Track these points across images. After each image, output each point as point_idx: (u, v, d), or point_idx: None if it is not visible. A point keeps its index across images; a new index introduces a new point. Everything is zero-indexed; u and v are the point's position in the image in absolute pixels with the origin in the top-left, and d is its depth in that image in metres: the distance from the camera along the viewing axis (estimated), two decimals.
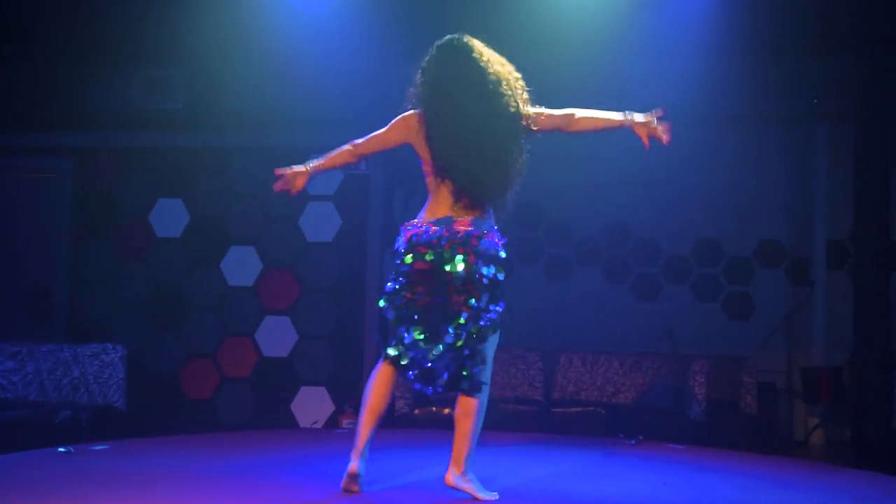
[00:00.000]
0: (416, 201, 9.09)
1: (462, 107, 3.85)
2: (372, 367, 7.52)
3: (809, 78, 8.57)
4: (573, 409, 8.05)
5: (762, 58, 8.44)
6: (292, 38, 7.53)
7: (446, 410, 7.82)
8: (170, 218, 8.26)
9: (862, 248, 7.32)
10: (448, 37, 4.02)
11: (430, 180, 3.98)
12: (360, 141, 4.22)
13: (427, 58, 4.01)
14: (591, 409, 8.05)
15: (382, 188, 7.96)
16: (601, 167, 9.53)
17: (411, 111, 4.04)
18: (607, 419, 7.95)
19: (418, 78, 4.02)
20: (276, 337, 8.00)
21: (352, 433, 4.21)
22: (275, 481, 4.36)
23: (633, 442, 6.22)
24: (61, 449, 5.10)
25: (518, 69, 4.09)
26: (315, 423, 7.56)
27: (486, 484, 4.00)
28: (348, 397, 7.71)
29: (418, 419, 7.75)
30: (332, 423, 7.76)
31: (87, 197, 8.46)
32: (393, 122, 4.09)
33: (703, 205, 9.75)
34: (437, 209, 3.94)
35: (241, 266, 8.11)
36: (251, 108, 8.02)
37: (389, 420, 7.77)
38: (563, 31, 7.73)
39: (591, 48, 8.22)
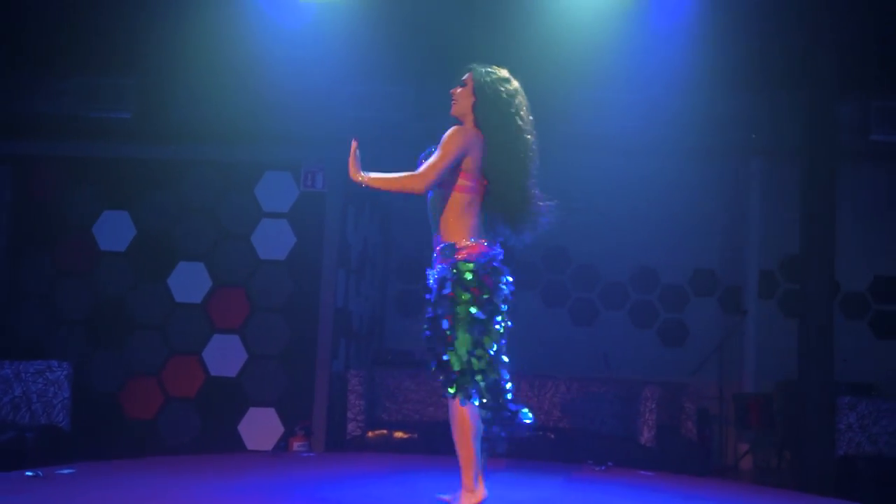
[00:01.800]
0: (365, 219, 9.08)
1: (526, 144, 4.12)
2: (324, 387, 7.47)
3: (745, 112, 8.82)
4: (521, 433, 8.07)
5: (701, 91, 8.65)
6: (251, 48, 7.41)
7: (397, 434, 7.78)
8: (115, 231, 7.97)
9: (809, 277, 7.55)
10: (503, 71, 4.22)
11: (465, 196, 4.05)
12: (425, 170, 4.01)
13: (501, 83, 4.14)
14: (541, 433, 8.09)
15: (338, 206, 7.86)
16: (543, 193, 9.64)
17: (466, 126, 4.07)
18: (557, 444, 8.01)
19: (492, 99, 4.10)
20: (225, 356, 7.80)
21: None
22: None
23: (602, 468, 6.26)
24: (29, 473, 4.86)
25: None
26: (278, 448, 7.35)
27: None
28: (299, 419, 7.57)
29: (371, 442, 7.66)
30: (282, 445, 7.59)
31: (26, 207, 8.11)
32: (454, 137, 4.04)
33: (642, 233, 9.97)
34: (483, 230, 4.11)
35: (190, 282, 7.88)
36: (204, 120, 7.83)
37: (340, 443, 7.69)
38: (509, 56, 7.83)
39: (536, 74, 8.34)
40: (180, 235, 7.96)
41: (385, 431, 7.80)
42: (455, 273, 4.01)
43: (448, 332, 3.99)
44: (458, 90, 4.21)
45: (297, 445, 7.41)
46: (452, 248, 4.05)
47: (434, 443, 7.77)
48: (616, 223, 9.95)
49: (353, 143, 4.07)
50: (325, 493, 4.72)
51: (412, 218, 9.76)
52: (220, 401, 7.76)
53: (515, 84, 4.21)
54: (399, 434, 7.76)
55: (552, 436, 8.07)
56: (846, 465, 7.20)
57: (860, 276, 9.78)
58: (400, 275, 10.14)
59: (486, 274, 4.06)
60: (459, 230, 4.05)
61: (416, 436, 7.73)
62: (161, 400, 7.83)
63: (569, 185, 8.64)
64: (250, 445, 7.69)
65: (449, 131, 4.05)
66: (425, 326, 4.11)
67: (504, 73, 4.22)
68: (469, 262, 4.02)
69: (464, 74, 4.24)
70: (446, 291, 4.00)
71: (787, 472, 8.89)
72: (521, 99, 4.18)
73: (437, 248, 4.13)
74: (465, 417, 4.05)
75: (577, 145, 9.34)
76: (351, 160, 4.06)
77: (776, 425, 9.36)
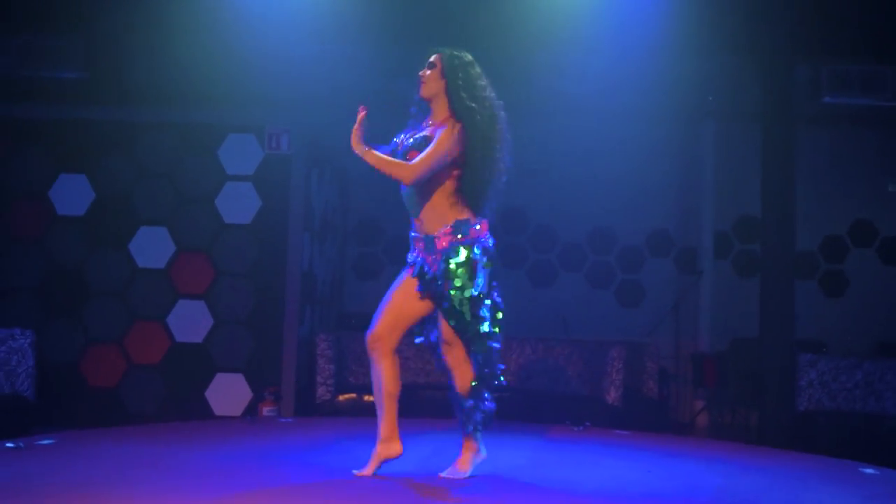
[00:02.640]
0: (325, 181, 8.98)
1: (500, 123, 4.22)
2: (292, 352, 7.41)
3: (701, 75, 8.89)
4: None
5: (658, 55, 8.69)
6: (211, 5, 7.22)
7: (367, 397, 7.76)
8: (73, 195, 7.74)
9: (769, 237, 7.70)
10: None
11: (455, 182, 4.14)
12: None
13: (471, 66, 4.18)
14: (508, 394, 8.15)
15: (303, 169, 7.74)
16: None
17: (454, 122, 4.12)
18: (525, 405, 8.08)
19: (465, 80, 4.13)
20: (190, 322, 7.67)
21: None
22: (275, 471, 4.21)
23: (580, 428, 6.33)
24: (10, 444, 4.74)
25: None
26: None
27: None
28: (267, 384, 7.50)
29: (341, 406, 7.63)
30: (251, 411, 7.52)
31: None
32: (452, 137, 4.07)
33: (599, 194, 10.04)
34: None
35: (152, 248, 7.71)
36: (163, 80, 7.62)
37: (310, 408, 7.65)
38: (472, 17, 7.78)
39: (495, 36, 8.31)
40: (141, 199, 7.78)
41: (354, 395, 7.78)
42: (478, 246, 4.13)
43: (481, 301, 4.09)
44: (428, 72, 4.20)
45: (266, 411, 7.34)
46: (467, 225, 4.12)
47: (403, 405, 7.77)
48: (573, 185, 10.00)
49: (361, 112, 4.04)
50: (318, 458, 4.69)
51: (369, 180, 9.73)
52: (186, 367, 7.64)
53: (479, 69, 4.23)
54: (369, 398, 7.73)
55: (519, 397, 8.14)
56: (807, 421, 7.40)
57: (811, 237, 10.00)
58: (358, 237, 10.06)
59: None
60: (462, 210, 4.15)
61: None
62: (124, 367, 7.67)
63: (526, 148, 8.73)
64: (218, 411, 7.60)
65: (447, 130, 4.05)
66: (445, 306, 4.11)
67: (469, 57, 4.22)
68: (488, 237, 4.20)
69: (430, 57, 4.23)
70: (478, 259, 4.10)
71: (742, 429, 9.12)
72: (487, 81, 4.24)
73: (444, 229, 4.13)
74: None
75: (535, 108, 9.35)
76: (356, 129, 4.07)
77: (731, 383, 9.57)
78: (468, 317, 4.07)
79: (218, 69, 7.69)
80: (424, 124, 4.26)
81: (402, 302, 4.24)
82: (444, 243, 4.14)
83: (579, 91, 8.88)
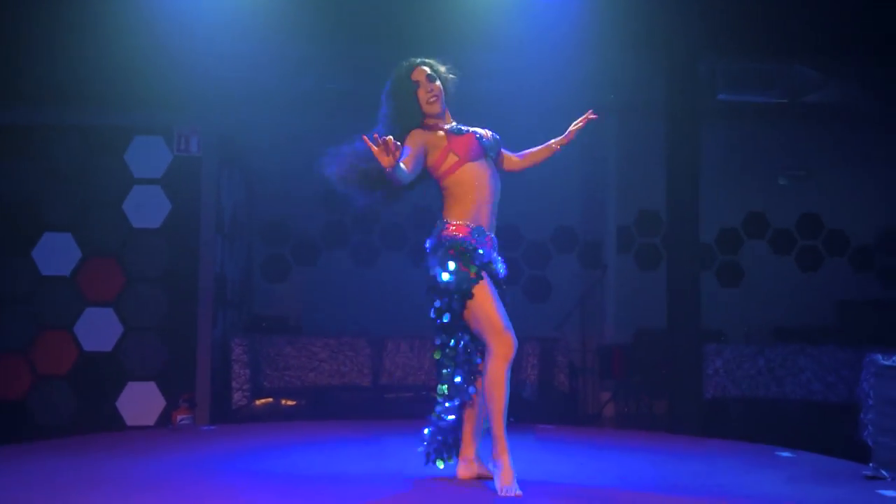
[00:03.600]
0: (234, 183, 8.87)
1: None
2: (206, 357, 7.28)
3: (604, 72, 9.09)
4: (406, 394, 8.17)
5: (561, 51, 8.86)
6: (113, 4, 7.04)
7: (285, 401, 7.71)
8: None
9: (676, 229, 7.94)
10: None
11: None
12: None
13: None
14: (424, 393, 8.21)
15: (214, 170, 7.61)
16: None
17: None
18: None
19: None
20: (99, 330, 7.44)
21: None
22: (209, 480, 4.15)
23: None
24: None
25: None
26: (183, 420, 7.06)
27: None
28: (181, 391, 7.36)
29: (258, 411, 7.56)
30: (165, 419, 7.36)
31: None
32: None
33: (505, 191, 10.10)
34: None
35: (57, 254, 7.46)
36: (65, 81, 7.38)
37: (226, 414, 7.54)
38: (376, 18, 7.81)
39: (404, 34, 8.36)
40: (45, 204, 7.51)
41: (271, 399, 7.72)
42: None
43: None
44: (438, 85, 4.26)
45: (180, 419, 7.19)
46: None
47: (322, 409, 7.76)
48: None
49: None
50: (258, 465, 4.64)
51: (276, 180, 9.67)
52: (95, 377, 7.42)
53: None
54: (287, 401, 7.70)
55: (434, 395, 8.20)
56: (715, 408, 7.68)
57: (707, 229, 10.33)
58: (265, 238, 9.95)
59: None
60: None
61: (303, 403, 7.70)
62: (30, 379, 7.41)
63: None
64: (130, 421, 7.41)
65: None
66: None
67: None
68: None
69: (421, 66, 4.29)
70: None
71: (647, 418, 9.38)
72: None
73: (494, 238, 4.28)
74: None
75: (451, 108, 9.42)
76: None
77: (636, 374, 9.83)
78: None
79: (123, 69, 7.50)
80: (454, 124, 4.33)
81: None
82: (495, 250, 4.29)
83: (483, 88, 8.96)
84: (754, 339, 9.64)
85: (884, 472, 4.46)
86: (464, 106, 9.42)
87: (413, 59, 4.29)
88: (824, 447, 5.75)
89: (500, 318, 4.05)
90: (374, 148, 3.77)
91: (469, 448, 4.29)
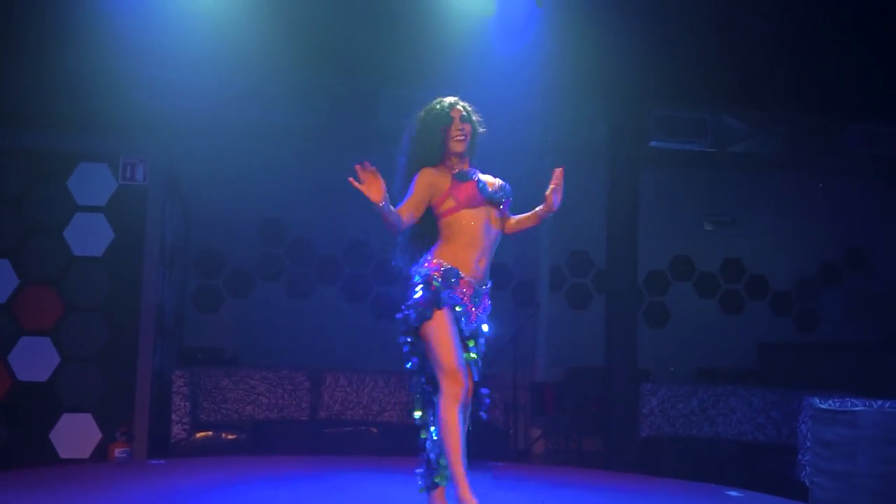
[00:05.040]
0: (174, 212, 8.76)
1: None
2: (146, 389, 7.16)
3: (543, 114, 9.30)
4: (346, 429, 8.15)
5: (504, 93, 9.05)
6: (62, 23, 6.95)
7: (226, 435, 7.62)
8: None
9: (615, 271, 8.15)
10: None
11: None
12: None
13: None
14: (364, 427, 8.20)
15: (159, 200, 7.52)
16: (339, 186, 9.75)
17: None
18: (380, 438, 8.15)
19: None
20: (34, 359, 7.23)
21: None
22: None
23: None
24: None
25: None
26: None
27: None
28: (119, 423, 7.20)
29: (198, 444, 7.44)
30: (101, 453, 7.18)
31: None
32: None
33: None
34: None
35: None
36: (6, 103, 7.23)
37: (164, 447, 7.40)
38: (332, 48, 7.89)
39: (346, 71, 8.46)
40: None
41: (211, 433, 7.62)
42: None
43: None
44: (469, 127, 4.39)
45: (118, 452, 7.05)
46: None
47: (264, 443, 7.69)
48: None
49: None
50: (219, 498, 4.59)
51: (213, 210, 9.58)
52: (28, 408, 7.19)
53: None
54: (227, 435, 7.61)
55: (375, 430, 8.21)
56: (650, 446, 7.87)
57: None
58: (199, 268, 9.84)
59: None
60: None
61: (244, 436, 7.62)
62: None
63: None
64: (64, 454, 7.19)
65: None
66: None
67: None
68: None
69: (458, 106, 4.41)
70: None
71: (575, 455, 9.53)
72: None
73: (489, 286, 4.42)
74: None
75: (381, 142, 9.49)
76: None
77: (567, 411, 9.98)
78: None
79: (69, 94, 7.39)
80: (472, 169, 4.43)
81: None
82: (486, 302, 4.38)
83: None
84: (679, 379, 9.90)
85: None
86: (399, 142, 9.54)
87: (453, 99, 4.42)
88: (759, 486, 5.96)
89: (452, 358, 4.11)
90: (360, 186, 3.86)
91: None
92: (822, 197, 10.96)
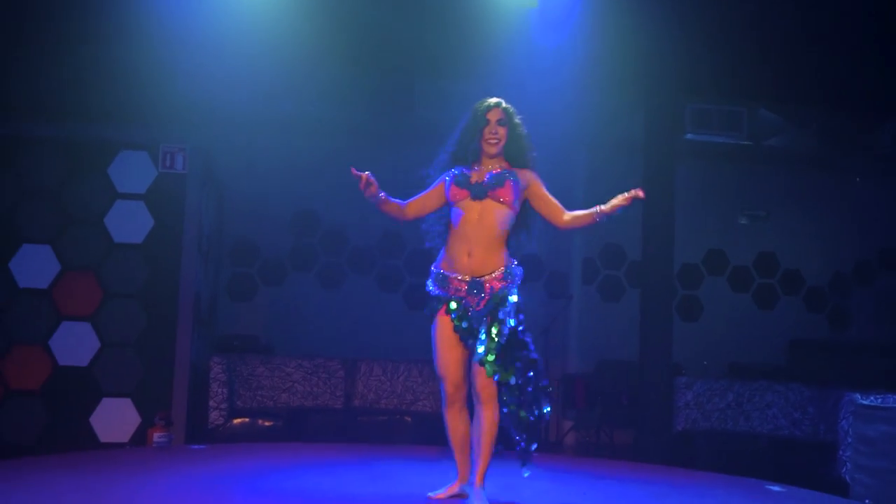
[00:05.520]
0: (210, 201, 8.82)
1: None
2: (184, 375, 7.22)
3: (578, 107, 9.26)
4: (380, 417, 8.18)
5: (543, 86, 9.03)
6: (105, 15, 6.99)
7: (262, 422, 7.67)
8: None
9: (651, 264, 8.13)
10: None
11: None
12: None
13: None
14: (398, 416, 8.24)
15: (198, 188, 7.57)
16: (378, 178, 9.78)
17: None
18: (415, 427, 8.18)
19: (527, 138, 4.60)
20: (74, 345, 7.30)
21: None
22: None
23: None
24: None
25: None
26: None
27: None
28: (157, 409, 7.26)
29: (236, 430, 7.50)
30: (140, 438, 7.26)
31: None
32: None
33: None
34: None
35: (34, 266, 7.31)
36: (48, 93, 7.31)
37: (202, 433, 7.47)
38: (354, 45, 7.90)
39: (384, 64, 8.48)
40: (25, 216, 7.36)
41: (247, 419, 7.67)
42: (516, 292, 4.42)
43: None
44: (502, 130, 4.44)
45: (157, 437, 7.11)
46: (515, 271, 4.46)
47: (299, 430, 7.73)
48: None
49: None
50: (263, 484, 4.63)
51: (247, 199, 9.64)
52: (69, 393, 7.27)
53: None
54: (264, 422, 7.66)
55: (408, 419, 8.24)
56: (685, 440, 7.85)
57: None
58: (233, 257, 9.90)
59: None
60: (508, 256, 4.48)
61: (279, 423, 7.66)
62: (1, 393, 7.25)
63: (408, 174, 8.95)
64: (104, 438, 7.27)
65: (534, 174, 4.51)
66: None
67: None
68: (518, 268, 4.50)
69: (486, 109, 4.45)
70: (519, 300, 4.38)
71: (606, 448, 9.53)
72: None
73: (496, 274, 4.36)
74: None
75: (417, 133, 9.51)
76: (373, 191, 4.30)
77: (598, 404, 9.98)
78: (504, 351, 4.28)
79: (110, 84, 7.46)
80: (476, 167, 4.46)
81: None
82: (496, 287, 4.33)
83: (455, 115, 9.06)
84: (711, 373, 9.87)
85: None
86: (441, 133, 9.57)
87: (497, 101, 4.47)
88: (795, 482, 5.93)
89: (439, 364, 4.38)
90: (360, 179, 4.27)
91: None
92: (856, 195, 10.88)
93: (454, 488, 4.52)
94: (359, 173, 4.23)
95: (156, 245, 7.47)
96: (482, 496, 4.28)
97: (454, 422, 4.47)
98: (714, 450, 7.75)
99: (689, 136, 9.48)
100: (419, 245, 10.24)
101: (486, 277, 4.32)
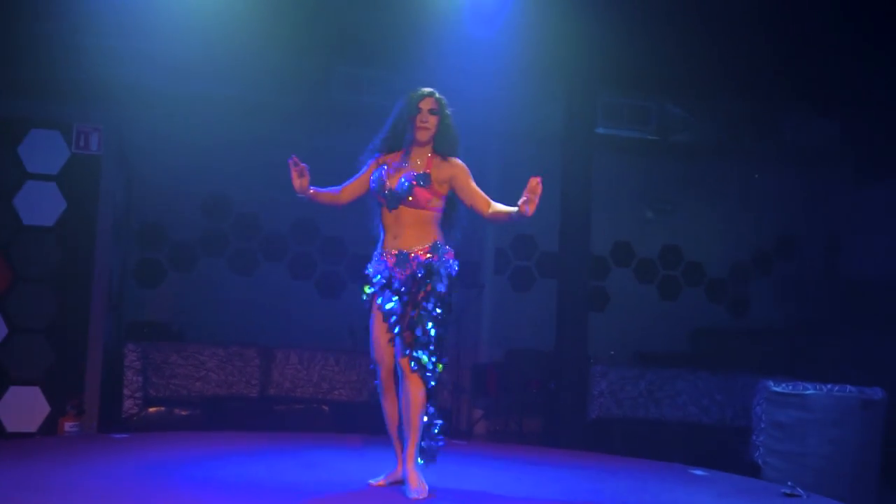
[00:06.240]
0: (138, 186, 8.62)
1: None
2: (97, 363, 7.02)
3: (491, 97, 9.31)
4: (297, 406, 8.12)
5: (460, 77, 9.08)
6: None
7: (178, 410, 7.53)
8: None
9: (567, 253, 8.26)
10: None
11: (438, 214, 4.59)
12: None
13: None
14: (315, 405, 8.19)
15: (114, 170, 7.35)
16: (287, 163, 9.68)
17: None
18: (332, 416, 8.15)
19: (454, 129, 4.64)
20: None
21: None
22: None
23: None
24: None
25: None
26: None
27: None
28: (68, 398, 7.04)
29: (152, 419, 7.33)
30: (49, 427, 7.02)
31: None
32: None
33: None
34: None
35: None
36: None
37: (115, 422, 7.29)
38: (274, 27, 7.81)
39: (301, 48, 8.40)
40: None
41: (163, 408, 7.51)
42: (444, 270, 4.44)
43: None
44: (432, 119, 4.49)
45: (68, 426, 6.90)
46: (442, 248, 4.50)
47: (215, 419, 7.60)
48: (362, 202, 10.14)
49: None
50: (200, 472, 4.55)
51: (155, 182, 9.38)
52: None
53: None
54: (180, 411, 7.51)
55: (326, 408, 8.21)
56: (599, 427, 8.04)
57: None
58: (141, 242, 9.63)
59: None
60: (438, 235, 4.53)
61: (197, 412, 7.53)
62: None
63: (323, 156, 8.88)
64: (11, 427, 7.00)
65: (463, 167, 4.54)
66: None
67: None
68: (454, 263, 4.55)
69: (419, 98, 4.50)
70: (440, 287, 4.40)
71: (515, 435, 9.66)
72: None
73: (422, 248, 4.43)
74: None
75: (335, 118, 9.46)
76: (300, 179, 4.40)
77: (508, 392, 10.10)
78: (430, 324, 4.33)
79: (20, 59, 7.18)
80: (402, 160, 4.51)
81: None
82: (421, 258, 4.38)
83: (372, 102, 9.04)
84: (620, 362, 10.10)
85: (800, 491, 4.83)
86: (355, 119, 9.50)
87: (430, 90, 4.55)
88: (707, 467, 6.14)
89: (374, 352, 4.58)
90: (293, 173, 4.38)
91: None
92: (756, 186, 11.27)
93: (395, 474, 4.53)
94: (298, 164, 4.36)
95: (68, 228, 7.22)
96: (417, 475, 4.33)
97: (391, 409, 4.57)
98: (627, 436, 7.96)
99: (599, 129, 9.64)
100: (332, 232, 10.22)
101: (415, 249, 4.43)
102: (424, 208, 4.43)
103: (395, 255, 4.43)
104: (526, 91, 9.23)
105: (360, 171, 4.64)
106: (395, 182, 4.43)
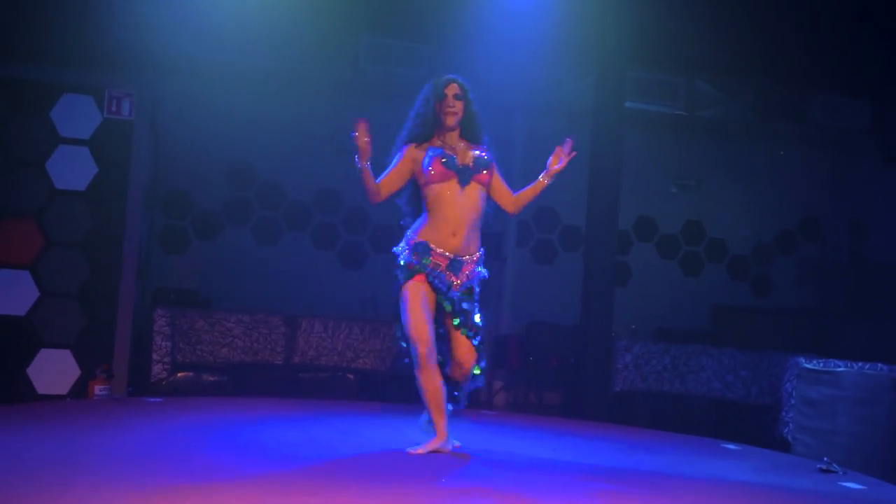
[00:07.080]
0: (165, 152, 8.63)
1: None
2: (127, 327, 7.06)
3: (521, 72, 9.28)
4: (321, 374, 8.16)
5: (484, 51, 9.04)
6: None
7: (205, 376, 7.58)
8: None
9: (595, 228, 8.26)
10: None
11: None
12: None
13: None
14: (339, 374, 8.22)
15: (146, 136, 7.35)
16: (313, 133, 9.72)
17: None
18: (357, 384, 8.18)
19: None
20: (12, 294, 7.04)
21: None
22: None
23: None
24: None
25: None
26: None
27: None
28: (98, 361, 7.08)
29: (180, 384, 7.38)
30: (80, 390, 7.07)
31: None
32: None
33: None
34: None
35: None
36: None
37: (144, 386, 7.34)
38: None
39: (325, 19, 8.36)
40: None
41: (191, 374, 7.56)
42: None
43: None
44: (461, 104, 4.47)
45: (98, 389, 6.95)
46: (482, 256, 4.61)
47: (245, 385, 7.65)
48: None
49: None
50: (238, 437, 4.58)
51: (181, 150, 9.40)
52: (4, 342, 7.03)
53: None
54: (208, 376, 7.56)
55: (351, 376, 8.24)
56: (623, 401, 8.06)
57: None
58: (166, 209, 9.67)
59: None
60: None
61: (224, 378, 7.57)
62: None
63: (343, 129, 8.88)
64: (42, 390, 7.06)
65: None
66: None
67: None
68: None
69: (444, 84, 4.47)
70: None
71: (535, 407, 9.71)
72: None
73: (473, 259, 4.50)
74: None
75: (361, 90, 9.44)
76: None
77: (529, 364, 10.13)
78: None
79: (54, 25, 7.18)
80: (444, 146, 4.47)
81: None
82: (472, 271, 4.51)
83: (401, 74, 9.01)
84: (641, 337, 10.12)
85: (836, 467, 4.84)
86: (384, 90, 9.45)
87: (453, 76, 4.51)
88: (739, 442, 6.16)
89: (413, 327, 4.39)
90: (358, 139, 4.25)
91: None
92: (782, 166, 11.24)
93: (433, 444, 4.55)
94: (364, 125, 4.24)
95: (100, 193, 7.23)
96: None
97: (430, 382, 4.48)
98: (651, 410, 7.98)
99: (628, 104, 9.60)
100: (355, 203, 10.20)
101: (467, 259, 4.45)
102: (486, 188, 4.48)
103: (450, 259, 4.41)
104: (555, 66, 9.19)
105: (392, 165, 4.52)
106: (468, 158, 4.44)
